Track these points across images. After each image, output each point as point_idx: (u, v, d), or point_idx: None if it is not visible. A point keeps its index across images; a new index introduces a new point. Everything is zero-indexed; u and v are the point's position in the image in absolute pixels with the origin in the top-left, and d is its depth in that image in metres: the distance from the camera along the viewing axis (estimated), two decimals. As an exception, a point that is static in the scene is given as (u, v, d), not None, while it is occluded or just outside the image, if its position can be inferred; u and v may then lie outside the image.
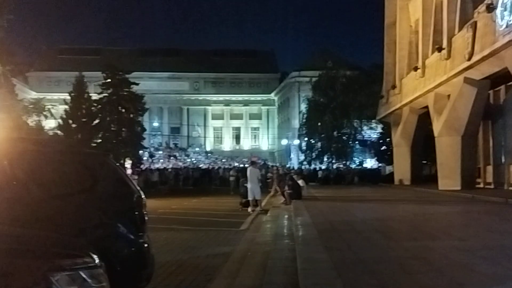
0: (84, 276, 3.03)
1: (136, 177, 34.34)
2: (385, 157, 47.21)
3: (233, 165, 57.16)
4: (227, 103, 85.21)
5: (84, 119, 42.23)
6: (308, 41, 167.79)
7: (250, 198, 19.15)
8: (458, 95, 24.65)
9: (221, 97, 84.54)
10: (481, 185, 27.00)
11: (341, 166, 52.14)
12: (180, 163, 64.57)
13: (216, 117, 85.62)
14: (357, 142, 55.79)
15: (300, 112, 63.01)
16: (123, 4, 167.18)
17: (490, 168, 27.10)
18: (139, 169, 45.40)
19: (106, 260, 3.39)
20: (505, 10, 18.22)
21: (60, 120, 42.37)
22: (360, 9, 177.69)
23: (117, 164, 5.86)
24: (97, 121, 44.07)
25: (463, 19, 23.34)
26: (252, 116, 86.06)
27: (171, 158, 70.92)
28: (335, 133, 53.90)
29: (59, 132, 40.91)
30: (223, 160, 71.73)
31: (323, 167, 52.42)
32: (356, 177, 45.46)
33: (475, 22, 21.33)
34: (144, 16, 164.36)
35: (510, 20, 17.92)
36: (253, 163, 22.50)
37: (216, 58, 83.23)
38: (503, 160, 25.86)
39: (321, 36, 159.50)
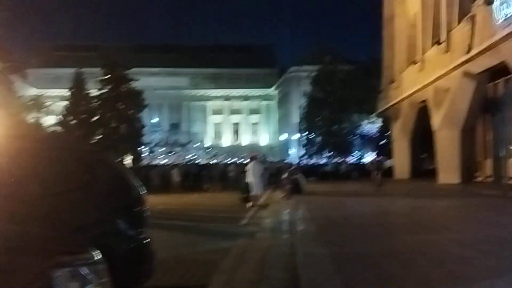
0: (84, 272, 3.05)
1: (176, 172, 34.20)
2: (385, 151, 47.20)
3: (232, 161, 57.28)
4: (226, 98, 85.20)
5: (83, 116, 42.23)
6: (306, 35, 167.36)
7: (252, 193, 19.16)
8: (457, 88, 24.64)
9: (220, 93, 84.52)
10: (480, 179, 27.01)
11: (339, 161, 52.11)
12: (180, 159, 64.59)
13: (215, 112, 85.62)
14: (356, 136, 55.79)
15: (299, 106, 62.99)
16: (121, 0, 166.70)
17: (489, 162, 27.10)
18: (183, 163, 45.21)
19: (106, 257, 3.40)
20: (504, 3, 18.20)
21: (59, 117, 42.33)
22: (359, 3, 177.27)
23: (117, 160, 5.87)
24: (96, 117, 44.07)
25: (462, 12, 23.32)
26: (252, 111, 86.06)
27: (171, 154, 70.94)
28: (334, 128, 53.90)
29: (58, 128, 40.90)
30: (222, 156, 71.80)
31: (323, 162, 52.43)
32: (355, 172, 45.41)
33: (474, 15, 21.31)
34: (142, 12, 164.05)
35: (508, 13, 17.91)
36: (252, 158, 22.50)
37: (215, 54, 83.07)
38: (502, 153, 25.87)
39: (319, 30, 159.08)
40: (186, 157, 68.37)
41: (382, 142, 49.93)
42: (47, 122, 41.10)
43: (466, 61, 22.41)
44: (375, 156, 33.72)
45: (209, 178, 34.05)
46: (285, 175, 21.77)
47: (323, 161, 52.96)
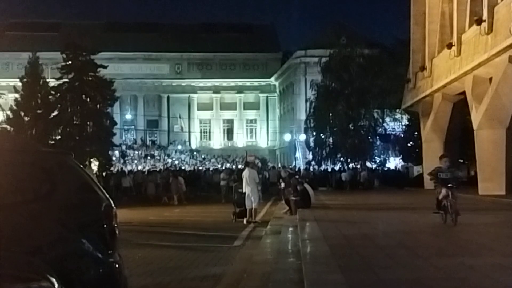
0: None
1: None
2: (413, 155, 47.33)
3: (224, 167, 57.37)
4: (216, 89, 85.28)
5: (39, 111, 42.21)
6: (316, 13, 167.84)
7: (248, 206, 19.20)
8: (502, 78, 24.71)
9: (209, 83, 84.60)
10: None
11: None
12: (160, 165, 64.64)
13: (203, 107, 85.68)
14: (377, 137, 55.92)
15: (307, 100, 63.03)
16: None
17: (542, 168, 27.17)
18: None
19: (68, 284, 3.39)
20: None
21: (9, 112, 42.34)
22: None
23: (81, 165, 5.86)
24: (55, 113, 44.06)
25: (509, -16, 23.37)
26: (248, 106, 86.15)
27: (148, 158, 71.02)
28: (350, 126, 53.99)
29: (8, 127, 40.87)
30: (212, 160, 71.89)
31: (337, 167, 52.54)
32: (377, 180, 45.55)
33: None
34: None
35: None
36: (248, 163, 22.56)
37: (203, 35, 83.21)
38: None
39: (332, 7, 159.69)
40: (167, 162, 68.42)
41: (409, 144, 49.99)
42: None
43: (513, 44, 22.48)
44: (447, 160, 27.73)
45: (167, 188, 34.47)
46: (289, 184, 21.77)
47: (337, 167, 53.05)
